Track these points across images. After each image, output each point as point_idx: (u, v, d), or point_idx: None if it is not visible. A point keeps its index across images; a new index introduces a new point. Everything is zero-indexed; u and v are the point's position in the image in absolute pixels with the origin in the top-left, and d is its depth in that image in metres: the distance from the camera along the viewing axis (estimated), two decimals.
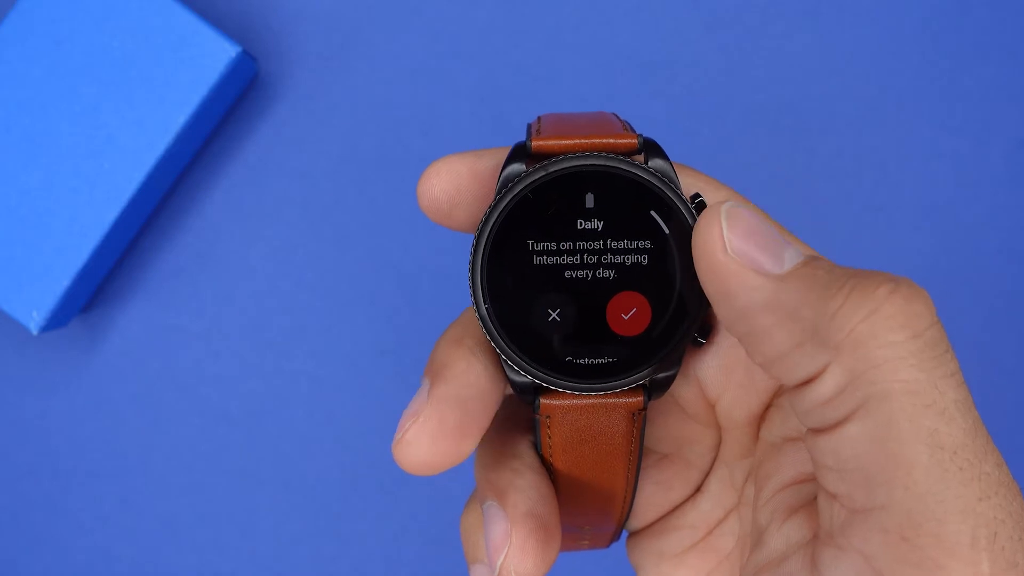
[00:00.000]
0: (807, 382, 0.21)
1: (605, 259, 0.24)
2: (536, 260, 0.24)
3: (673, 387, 0.27)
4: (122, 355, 0.49)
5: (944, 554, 0.19)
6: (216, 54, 0.45)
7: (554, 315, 0.24)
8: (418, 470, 0.24)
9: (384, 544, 0.49)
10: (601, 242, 0.24)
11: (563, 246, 0.24)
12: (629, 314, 0.24)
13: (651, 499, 0.28)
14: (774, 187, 0.49)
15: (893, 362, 0.20)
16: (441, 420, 0.24)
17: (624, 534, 0.29)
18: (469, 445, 0.24)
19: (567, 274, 0.24)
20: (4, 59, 0.45)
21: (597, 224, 0.24)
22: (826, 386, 0.21)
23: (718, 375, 0.26)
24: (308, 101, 0.49)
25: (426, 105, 0.49)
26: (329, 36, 0.49)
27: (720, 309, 0.22)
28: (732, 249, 0.22)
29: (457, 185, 0.26)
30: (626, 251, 0.24)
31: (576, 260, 0.24)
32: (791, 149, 0.49)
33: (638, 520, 0.29)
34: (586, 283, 0.24)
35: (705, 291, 0.23)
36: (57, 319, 0.46)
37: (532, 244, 0.24)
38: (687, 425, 0.27)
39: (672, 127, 0.49)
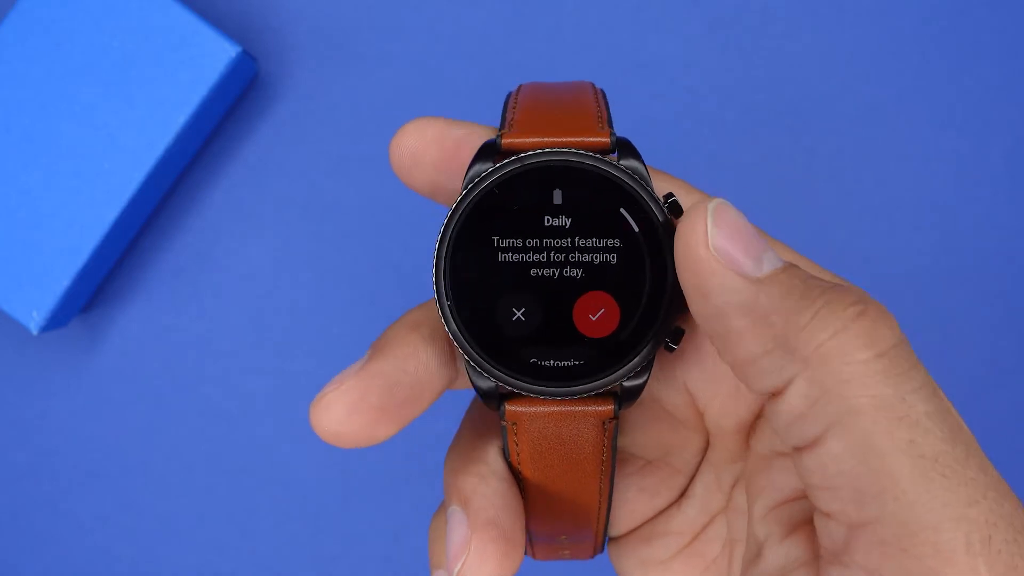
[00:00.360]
0: (776, 394, 0.21)
1: (573, 258, 0.24)
2: (501, 257, 0.24)
3: (661, 394, 0.26)
4: (122, 355, 0.49)
5: (942, 563, 0.19)
6: (216, 54, 0.45)
7: (519, 314, 0.24)
8: (328, 438, 0.24)
9: (384, 544, 0.49)
10: (568, 240, 0.24)
11: (529, 243, 0.24)
12: (597, 315, 0.24)
13: (634, 506, 0.28)
14: (773, 187, 0.49)
15: (860, 379, 0.20)
16: (364, 395, 0.23)
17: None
18: (386, 430, 0.24)
19: (533, 272, 0.24)
20: (4, 59, 0.45)
21: (565, 221, 0.23)
22: (794, 399, 0.21)
23: (707, 384, 0.26)
24: (308, 101, 0.49)
25: (426, 105, 0.49)
26: (329, 36, 0.49)
27: (695, 306, 0.22)
28: (714, 246, 0.22)
29: (420, 146, 0.25)
30: (594, 250, 0.24)
31: (542, 258, 0.24)
32: (791, 149, 0.49)
33: (621, 526, 0.28)
34: (553, 282, 0.24)
35: (682, 285, 0.22)
36: (57, 319, 0.46)
37: (497, 241, 0.24)
38: (673, 431, 0.27)
39: (671, 127, 0.49)
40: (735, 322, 0.21)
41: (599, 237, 0.24)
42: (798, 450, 0.21)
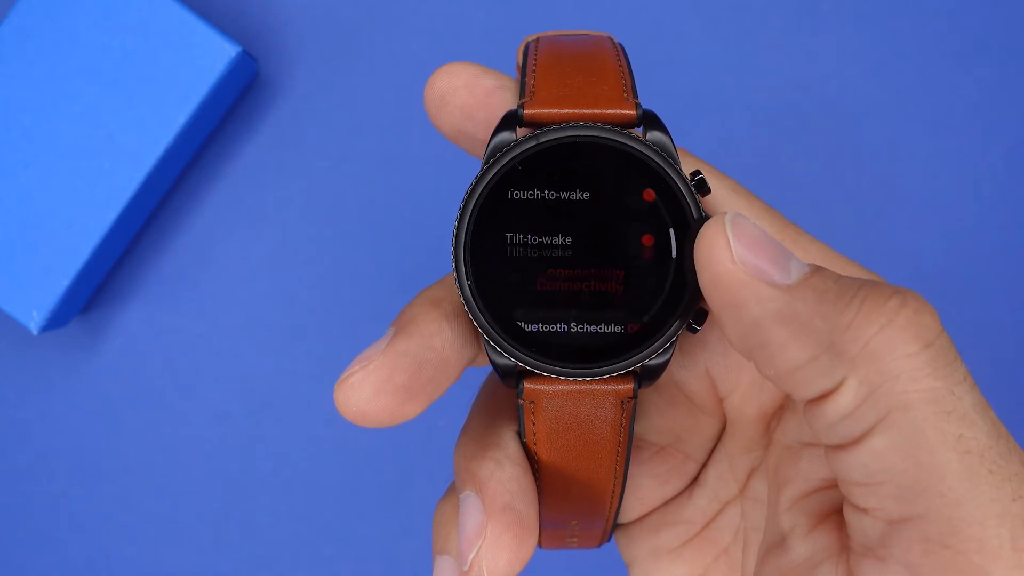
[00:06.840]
0: (822, 397, 0.21)
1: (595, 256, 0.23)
2: (521, 238, 0.23)
3: (681, 378, 0.26)
4: (122, 355, 0.49)
5: (987, 558, 0.19)
6: (216, 54, 0.45)
7: (541, 288, 0.23)
8: (354, 418, 0.23)
9: (384, 544, 0.49)
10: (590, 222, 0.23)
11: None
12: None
13: (645, 492, 0.28)
14: (773, 187, 0.49)
15: (910, 373, 0.20)
16: (391, 374, 0.23)
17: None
18: (412, 409, 0.23)
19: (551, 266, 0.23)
20: (4, 59, 0.45)
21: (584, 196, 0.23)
22: (845, 400, 0.20)
23: (730, 371, 0.26)
24: (308, 101, 0.49)
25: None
26: (329, 36, 0.49)
27: (728, 322, 0.22)
28: (740, 259, 0.21)
29: (450, 88, 0.25)
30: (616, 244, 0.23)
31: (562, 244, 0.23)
32: (791, 149, 0.49)
33: (631, 513, 0.28)
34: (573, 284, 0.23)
35: (711, 304, 0.22)
36: (57, 319, 0.46)
37: (517, 223, 0.23)
38: (689, 416, 0.27)
39: (671, 127, 0.49)
40: (774, 333, 0.21)
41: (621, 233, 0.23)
42: (836, 448, 0.21)
